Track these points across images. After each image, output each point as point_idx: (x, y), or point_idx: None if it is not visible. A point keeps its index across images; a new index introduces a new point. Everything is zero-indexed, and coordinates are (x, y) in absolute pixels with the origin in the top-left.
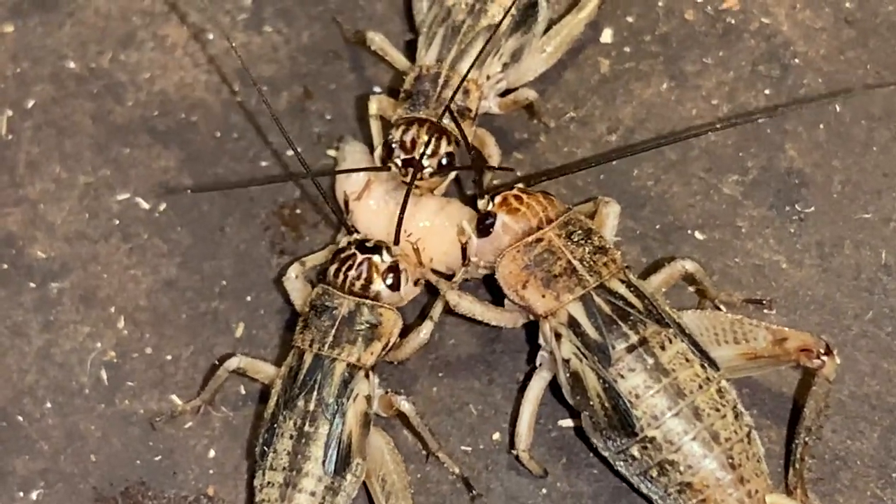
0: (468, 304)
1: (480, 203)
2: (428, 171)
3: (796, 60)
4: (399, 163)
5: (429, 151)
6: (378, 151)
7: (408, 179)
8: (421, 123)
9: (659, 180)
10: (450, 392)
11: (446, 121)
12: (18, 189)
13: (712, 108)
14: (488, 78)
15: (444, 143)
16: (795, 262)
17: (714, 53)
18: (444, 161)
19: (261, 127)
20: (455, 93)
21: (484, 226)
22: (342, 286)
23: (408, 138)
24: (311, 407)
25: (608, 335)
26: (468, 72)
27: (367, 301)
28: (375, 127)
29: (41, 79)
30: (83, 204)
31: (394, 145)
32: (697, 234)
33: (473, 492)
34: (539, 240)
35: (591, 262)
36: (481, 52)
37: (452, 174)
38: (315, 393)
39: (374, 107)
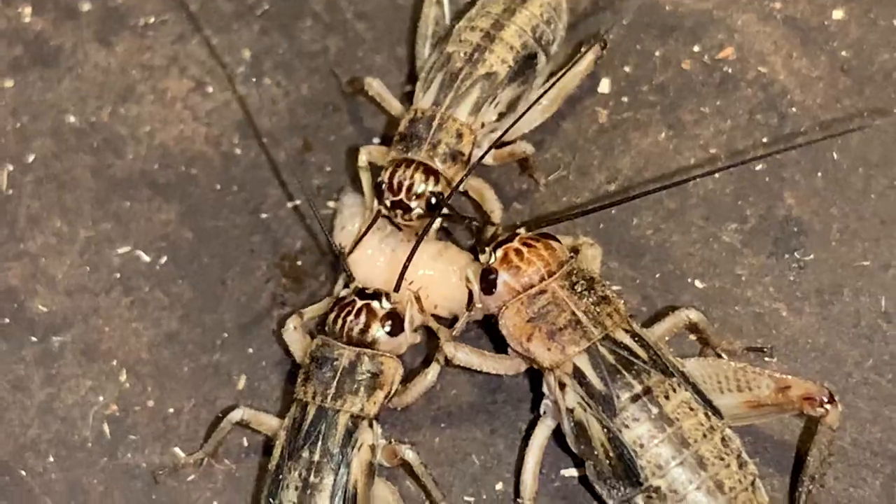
0: (466, 356)
1: (482, 257)
2: (416, 212)
3: (793, 109)
4: (388, 204)
5: (417, 192)
6: (368, 199)
7: (398, 221)
8: (409, 164)
9: (658, 229)
10: (452, 442)
11: (439, 163)
12: (19, 243)
13: (710, 157)
14: (483, 125)
15: (431, 183)
16: (795, 310)
17: (711, 102)
18: (432, 201)
19: (260, 179)
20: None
21: (487, 282)
22: (341, 334)
23: (395, 180)
24: (316, 458)
25: (613, 385)
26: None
27: (368, 350)
28: (366, 178)
29: (41, 133)
30: (84, 257)
31: (383, 187)
32: (697, 283)
33: None
34: (543, 291)
35: (596, 313)
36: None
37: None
38: (319, 444)
39: (363, 158)
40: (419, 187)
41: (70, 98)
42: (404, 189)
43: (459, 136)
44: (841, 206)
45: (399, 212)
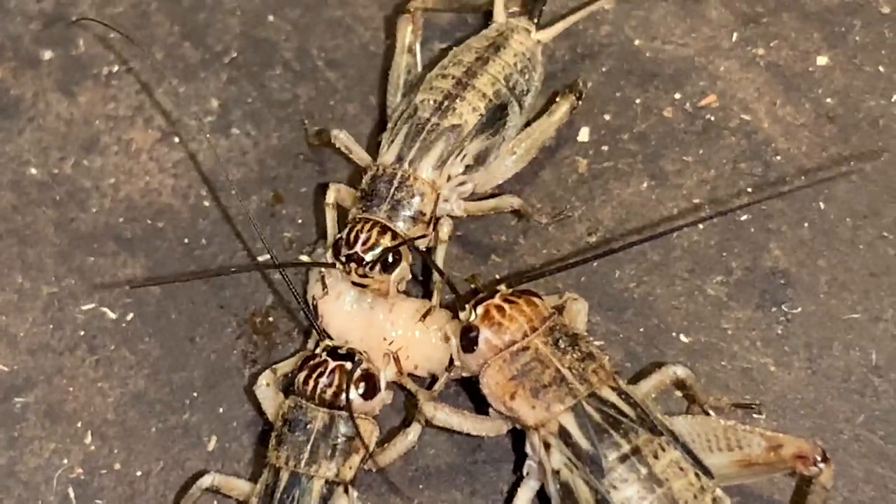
0: (445, 417)
1: (462, 314)
2: (368, 264)
3: (778, 157)
4: (343, 259)
5: (368, 245)
6: (329, 245)
7: (352, 276)
8: (367, 222)
9: (641, 282)
10: None
11: (401, 224)
12: None
13: (694, 207)
14: (449, 179)
15: (388, 238)
16: (784, 365)
17: (694, 151)
18: (389, 259)
19: (229, 232)
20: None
21: (468, 340)
22: (312, 395)
23: (352, 235)
24: None
25: (600, 445)
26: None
27: (343, 413)
28: (331, 216)
29: (1, 186)
30: (47, 315)
31: (340, 243)
32: (683, 337)
33: None
34: (525, 348)
35: (581, 370)
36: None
37: (405, 275)
38: None
39: (331, 196)
40: (374, 240)
41: (31, 149)
42: (360, 243)
43: (421, 195)
44: (829, 258)
45: (353, 265)
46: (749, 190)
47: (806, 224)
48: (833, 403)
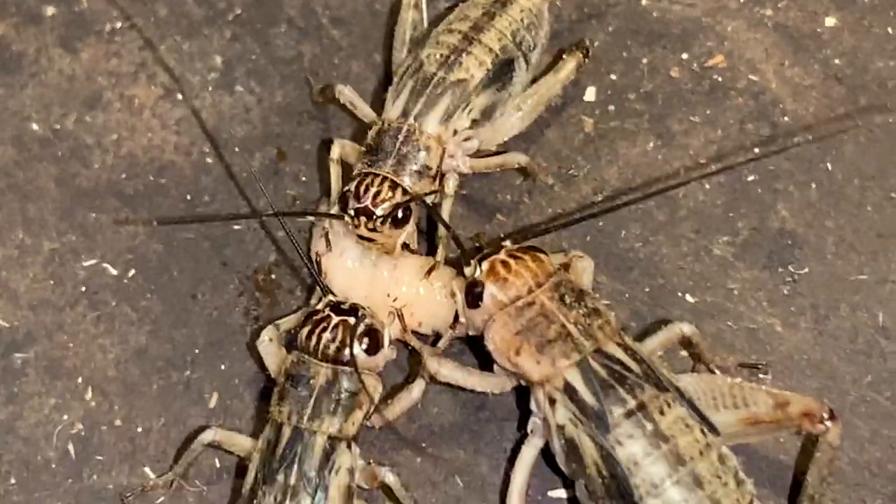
0: (449, 372)
1: (467, 270)
2: (379, 219)
3: (785, 118)
4: (352, 213)
5: (379, 199)
6: (335, 200)
7: (361, 230)
8: (374, 177)
9: (647, 242)
10: (434, 463)
11: (407, 179)
12: None
13: (700, 168)
14: (455, 133)
15: (398, 193)
16: (790, 326)
17: (701, 111)
18: (399, 215)
19: (233, 190)
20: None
21: (473, 296)
22: (315, 350)
23: (360, 189)
24: (292, 481)
25: (605, 400)
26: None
27: (346, 368)
28: (335, 172)
29: (3, 141)
30: (48, 270)
31: (348, 195)
32: (688, 297)
33: None
34: (531, 303)
35: (586, 326)
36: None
37: (413, 231)
38: (295, 466)
39: (336, 151)
40: (384, 195)
41: (33, 105)
42: (369, 196)
43: (427, 150)
44: (836, 219)
45: (363, 219)
46: (756, 150)
47: (813, 185)
48: (839, 364)
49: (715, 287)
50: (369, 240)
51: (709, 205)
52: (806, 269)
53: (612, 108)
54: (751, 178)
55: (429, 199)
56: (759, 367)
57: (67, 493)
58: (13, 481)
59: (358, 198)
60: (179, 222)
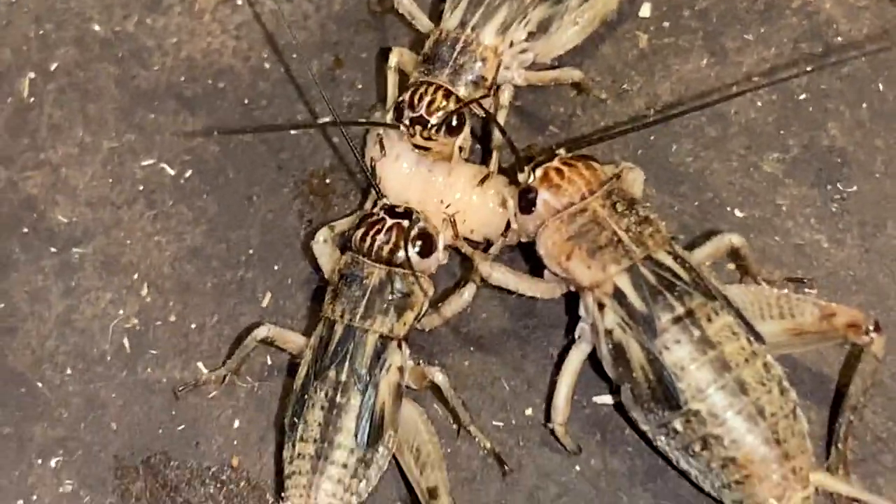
0: (501, 275)
1: (521, 176)
2: (434, 127)
3: (839, 39)
4: (407, 122)
5: (433, 108)
6: (391, 108)
7: (416, 139)
8: (430, 86)
9: (698, 157)
10: (482, 366)
11: (462, 89)
12: (40, 153)
13: (753, 86)
14: (511, 45)
15: (451, 101)
16: (837, 242)
17: (755, 30)
18: (453, 122)
19: (290, 95)
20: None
21: (526, 202)
22: (369, 251)
23: (415, 98)
24: (343, 378)
25: (654, 306)
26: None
27: (399, 270)
28: (392, 80)
29: (65, 42)
30: (107, 169)
31: (403, 105)
32: (737, 212)
33: (505, 467)
34: (583, 210)
35: (637, 233)
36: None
37: (468, 139)
38: (347, 364)
39: (394, 59)
40: (438, 103)
41: (95, 6)
42: (424, 105)
43: (483, 60)
44: (885, 138)
45: (418, 128)
46: (808, 69)
47: (864, 105)
48: (885, 281)
49: (763, 203)
50: (425, 148)
51: (760, 122)
52: (854, 187)
53: (666, 24)
54: (802, 96)
55: (484, 106)
56: (805, 281)
57: (122, 385)
58: (69, 372)
59: (412, 107)
60: (239, 132)
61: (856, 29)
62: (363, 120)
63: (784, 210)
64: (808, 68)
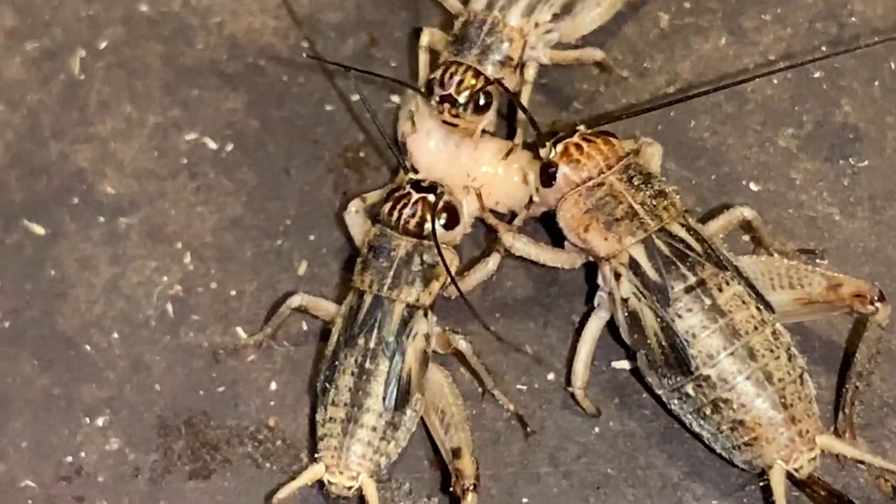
0: (524, 246)
1: (542, 151)
2: (461, 105)
3: (853, 19)
4: (438, 99)
5: (462, 87)
6: (422, 86)
7: (444, 116)
8: (459, 65)
9: (715, 132)
10: (506, 333)
11: (490, 68)
12: (89, 127)
13: (770, 64)
14: (536, 26)
15: (480, 81)
16: (848, 215)
17: (772, 10)
18: (481, 101)
19: (326, 72)
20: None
21: (547, 176)
22: (397, 225)
23: (445, 76)
24: (372, 345)
25: (667, 276)
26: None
27: (425, 242)
28: (423, 59)
29: (113, 21)
30: (152, 143)
31: (433, 84)
32: (752, 186)
33: (528, 429)
34: (601, 184)
35: (652, 206)
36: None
37: (493, 116)
38: (375, 332)
39: (425, 39)
40: (467, 83)
41: None
42: (454, 84)
43: (510, 41)
44: None
45: (447, 106)
46: (824, 49)
47: (877, 82)
48: (893, 253)
49: (778, 177)
50: (453, 125)
51: (776, 99)
52: (866, 162)
53: (687, 4)
54: (817, 74)
55: (510, 85)
56: (816, 252)
57: (165, 348)
58: (115, 336)
59: (442, 85)
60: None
61: (870, 10)
62: (396, 99)
63: (798, 184)
64: (825, 53)
